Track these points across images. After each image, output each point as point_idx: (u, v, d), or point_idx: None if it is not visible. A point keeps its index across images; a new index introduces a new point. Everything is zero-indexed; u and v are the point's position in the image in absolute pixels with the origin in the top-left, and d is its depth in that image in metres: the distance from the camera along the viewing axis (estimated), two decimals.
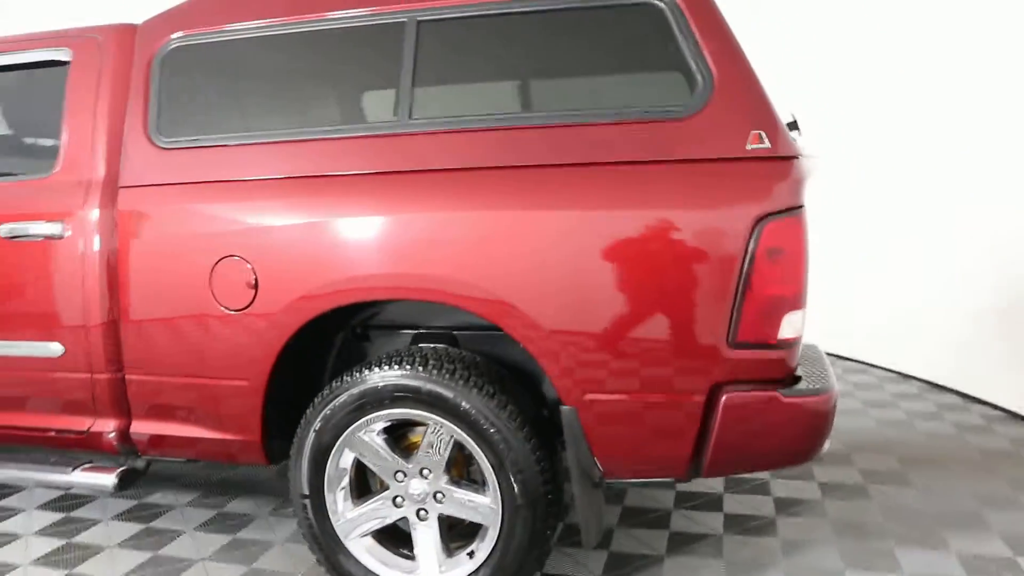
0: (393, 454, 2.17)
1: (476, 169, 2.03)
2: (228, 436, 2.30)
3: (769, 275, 1.86)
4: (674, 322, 1.91)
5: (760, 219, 1.85)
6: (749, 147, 1.89)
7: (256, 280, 2.14)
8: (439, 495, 2.16)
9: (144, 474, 2.48)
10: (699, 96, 1.94)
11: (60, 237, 2.30)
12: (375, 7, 2.17)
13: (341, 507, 2.22)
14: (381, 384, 2.10)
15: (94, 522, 2.83)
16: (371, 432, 2.16)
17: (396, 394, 2.09)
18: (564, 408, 2.01)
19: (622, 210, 1.92)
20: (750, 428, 1.94)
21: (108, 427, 2.38)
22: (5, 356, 2.43)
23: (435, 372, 2.07)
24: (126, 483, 2.37)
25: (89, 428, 2.39)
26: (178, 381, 2.29)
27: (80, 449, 2.46)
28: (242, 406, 2.25)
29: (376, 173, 2.10)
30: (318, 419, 2.16)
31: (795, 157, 1.91)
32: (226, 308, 2.18)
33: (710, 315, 1.89)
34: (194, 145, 2.26)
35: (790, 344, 1.92)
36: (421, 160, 2.07)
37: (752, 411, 1.92)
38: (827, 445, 2.07)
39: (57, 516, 2.89)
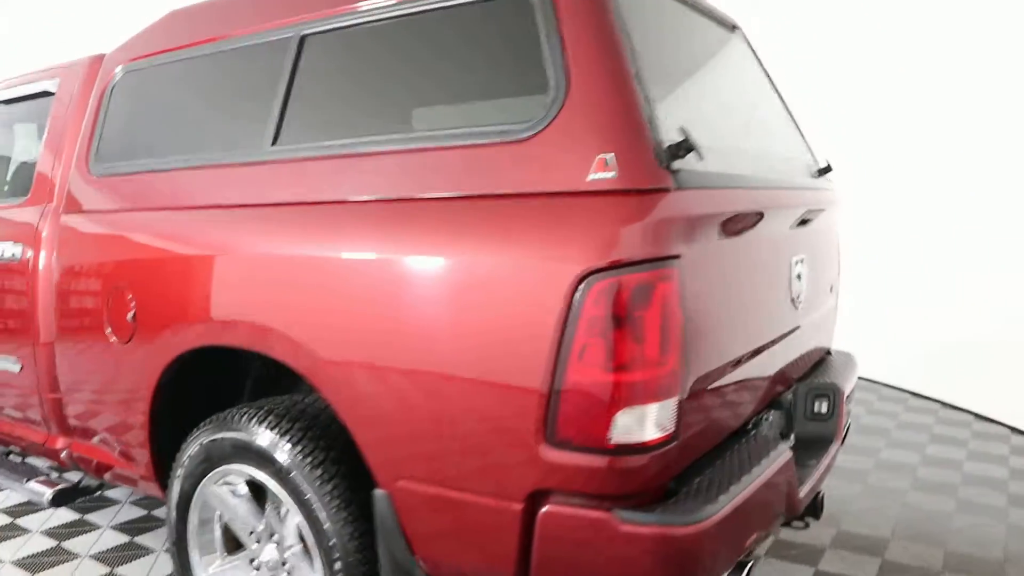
0: (251, 513, 1.96)
1: (300, 204, 1.77)
2: (129, 466, 2.26)
3: (596, 353, 1.36)
4: (483, 404, 1.48)
5: (585, 276, 1.36)
6: (591, 177, 1.40)
7: (135, 313, 2.07)
8: (288, 565, 1.91)
9: (90, 493, 2.53)
10: (546, 112, 1.48)
11: (18, 260, 2.43)
12: (274, 24, 2.00)
13: (198, 564, 2.06)
14: (219, 435, 1.90)
15: (90, 528, 2.98)
16: (227, 485, 1.97)
17: (235, 447, 1.88)
18: (376, 492, 1.66)
19: (428, 257, 1.53)
20: (577, 556, 1.43)
21: (58, 444, 2.47)
22: None
23: (268, 428, 1.82)
24: (60, 500, 2.43)
25: (45, 443, 2.50)
26: (91, 407, 2.30)
27: (49, 460, 2.59)
28: (134, 437, 2.19)
29: (220, 206, 1.93)
30: (180, 465, 2.02)
31: (657, 191, 1.38)
32: (116, 338, 2.13)
33: (523, 400, 1.43)
34: (110, 174, 2.25)
35: (638, 450, 1.39)
36: (253, 194, 1.87)
37: (576, 534, 1.42)
38: None
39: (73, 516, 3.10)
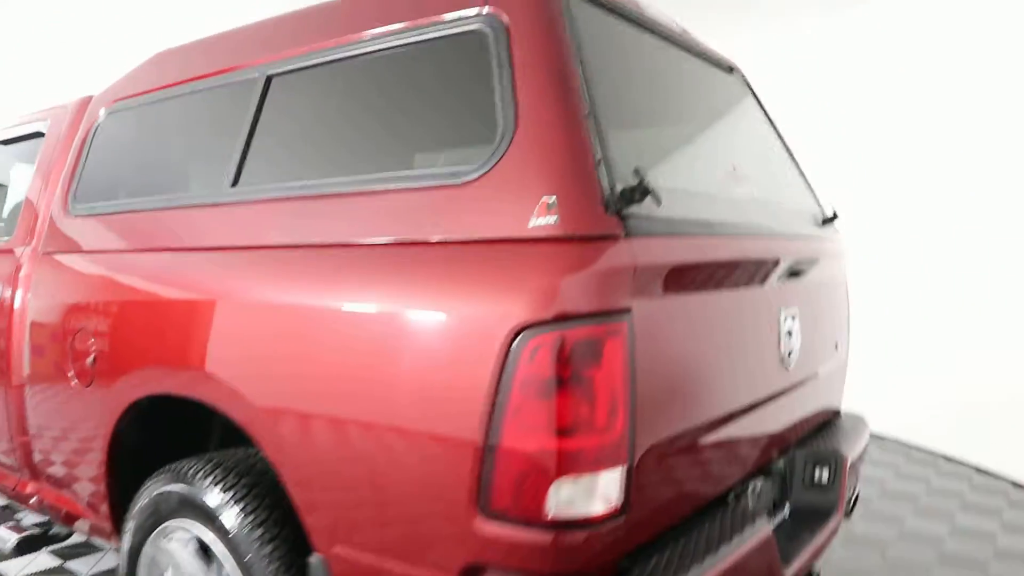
0: (199, 572, 1.85)
1: (242, 248, 1.70)
2: (91, 513, 2.18)
3: (531, 415, 1.23)
4: (417, 467, 1.36)
5: (521, 330, 1.24)
6: (532, 223, 1.30)
7: (95, 357, 2.01)
8: None
9: (59, 540, 2.46)
10: (492, 153, 1.39)
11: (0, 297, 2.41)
12: (244, 64, 1.96)
13: None
14: (168, 488, 1.81)
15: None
16: (175, 541, 1.87)
17: (182, 501, 1.79)
18: (312, 558, 1.54)
19: (362, 304, 1.44)
20: None
21: (28, 490, 2.41)
22: None
23: (214, 484, 1.73)
24: (25, 548, 2.36)
25: (15, 487, 2.44)
26: (56, 454, 2.23)
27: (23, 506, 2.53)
28: (94, 486, 2.11)
29: (170, 249, 1.89)
30: (132, 518, 1.93)
31: (603, 238, 1.27)
32: (77, 382, 2.07)
33: (456, 466, 1.31)
34: (85, 214, 2.22)
35: (581, 525, 1.25)
36: (204, 237, 1.82)
37: None
38: None
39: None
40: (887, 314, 4.93)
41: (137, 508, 1.90)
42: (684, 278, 1.42)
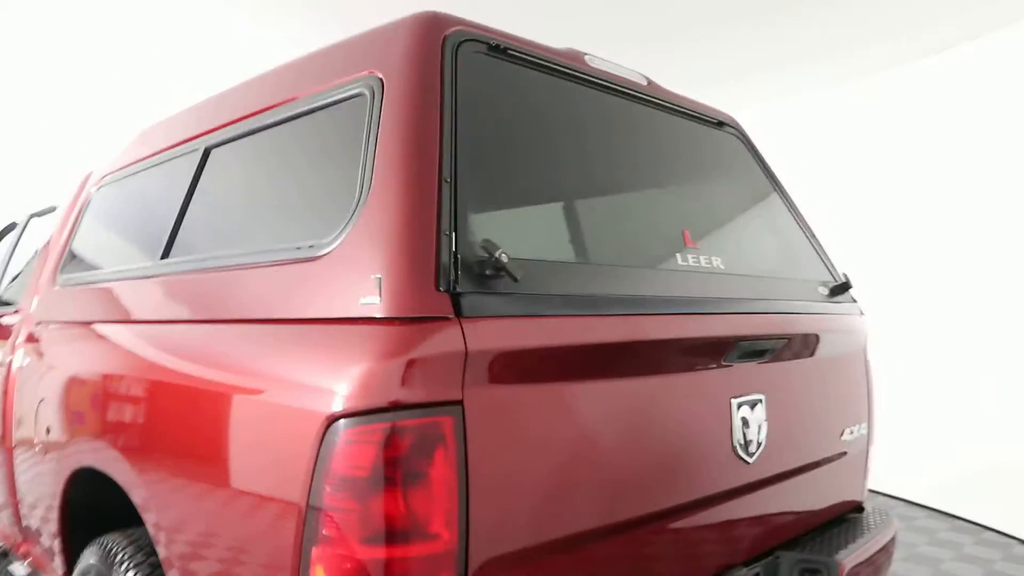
0: None
1: (134, 322, 1.68)
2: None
3: (342, 521, 1.08)
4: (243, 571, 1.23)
5: (333, 421, 1.11)
6: (361, 301, 1.17)
7: (48, 426, 2.03)
8: None
9: None
10: (345, 223, 1.29)
11: (2, 364, 2.51)
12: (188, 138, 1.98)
13: None
14: (90, 562, 1.77)
15: None
16: None
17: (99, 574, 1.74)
18: None
19: (206, 386, 1.35)
20: None
21: (21, 551, 2.46)
22: None
23: (124, 559, 1.66)
24: None
25: (14, 547, 2.50)
26: (33, 518, 2.26)
27: None
28: (55, 552, 2.11)
29: (106, 321, 1.88)
30: None
31: (427, 320, 1.12)
32: (38, 448, 2.10)
33: (279, 564, 1.17)
34: (65, 285, 2.29)
35: None
36: (125, 311, 1.82)
37: None
38: None
39: None
40: (943, 385, 4.47)
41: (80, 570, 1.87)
42: (547, 364, 1.23)
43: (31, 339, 2.35)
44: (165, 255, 1.80)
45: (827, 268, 2.15)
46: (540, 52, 1.62)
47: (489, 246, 1.19)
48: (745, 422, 1.60)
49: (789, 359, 1.78)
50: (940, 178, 4.66)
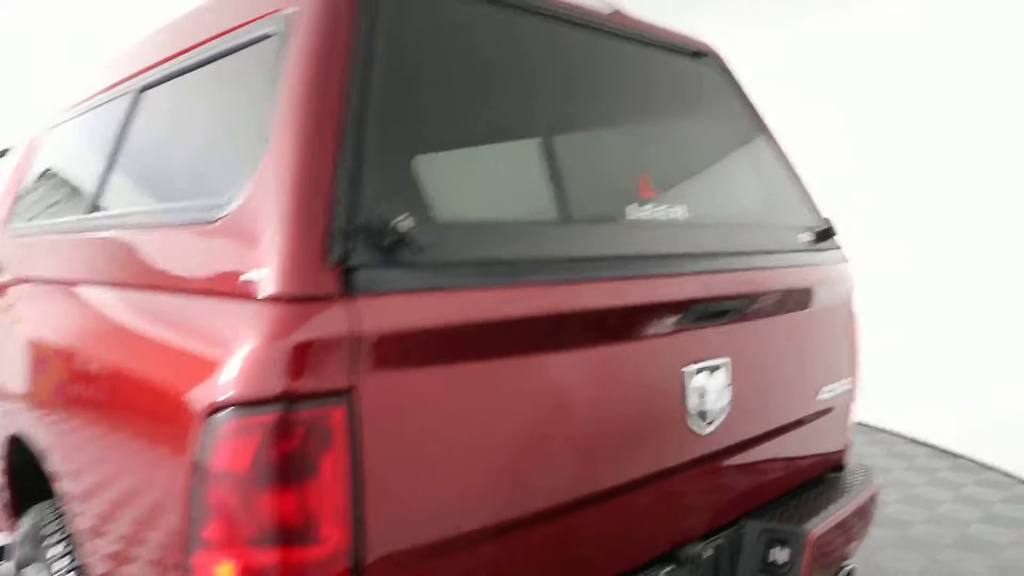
0: None
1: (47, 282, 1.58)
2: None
3: (222, 522, 1.00)
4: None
5: (211, 413, 1.01)
6: (248, 276, 1.06)
7: None
8: None
9: None
10: (242, 184, 1.16)
11: None
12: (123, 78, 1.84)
13: None
14: (27, 527, 1.73)
15: None
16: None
17: (36, 538, 1.70)
18: None
19: (98, 351, 1.26)
20: None
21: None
22: None
23: (55, 529, 1.62)
24: None
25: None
26: None
27: None
28: (5, 511, 2.09)
29: (30, 280, 1.79)
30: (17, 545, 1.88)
31: (311, 299, 1.00)
32: None
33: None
34: (11, 236, 2.19)
35: None
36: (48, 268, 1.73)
37: None
38: None
39: None
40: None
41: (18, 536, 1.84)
42: (458, 343, 1.11)
43: None
44: (92, 209, 1.69)
45: (810, 212, 1.99)
46: None
47: (388, 211, 1.06)
48: (701, 391, 1.49)
49: (760, 317, 1.64)
50: (942, 115, 4.39)
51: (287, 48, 1.21)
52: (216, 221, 1.17)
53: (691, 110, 1.87)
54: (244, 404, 0.98)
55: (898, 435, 4.63)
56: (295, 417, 0.98)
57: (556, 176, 1.42)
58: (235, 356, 1.00)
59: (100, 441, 1.26)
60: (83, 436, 1.32)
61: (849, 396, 2.03)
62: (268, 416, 0.97)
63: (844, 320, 1.98)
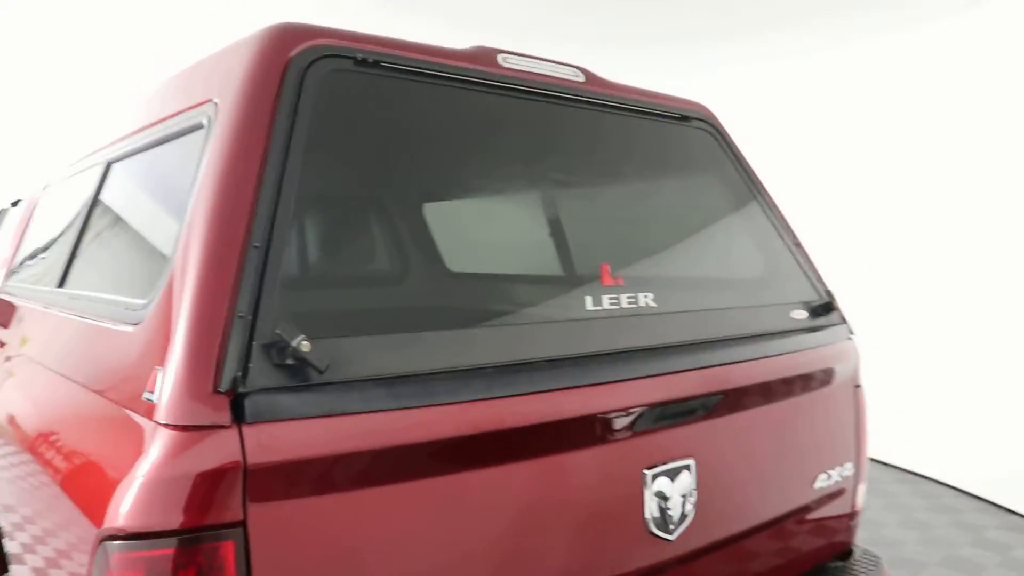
0: None
1: None
2: None
3: None
4: None
5: (103, 540, 0.96)
6: (145, 395, 1.01)
7: None
8: None
9: None
10: (155, 289, 1.12)
11: None
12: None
13: None
14: None
15: None
16: None
17: None
18: None
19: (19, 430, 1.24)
20: None
21: None
22: None
23: None
24: None
25: None
26: None
27: None
28: None
29: None
30: None
31: (202, 428, 0.95)
32: None
33: None
34: (4, 293, 2.22)
35: None
36: None
37: None
38: None
39: None
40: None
41: None
42: (365, 468, 1.04)
43: None
44: (60, 282, 1.69)
45: (811, 284, 1.86)
46: (430, 60, 1.38)
47: (287, 332, 1.00)
48: (662, 495, 1.38)
49: (733, 412, 1.53)
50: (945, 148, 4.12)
51: (207, 140, 1.17)
52: (135, 325, 1.13)
53: (672, 179, 1.77)
54: (132, 536, 0.93)
55: (939, 482, 4.37)
56: (184, 552, 0.93)
57: (497, 268, 1.34)
58: (128, 482, 0.95)
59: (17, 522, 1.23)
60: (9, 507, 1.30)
61: (853, 480, 1.89)
62: (156, 551, 0.92)
63: (844, 401, 1.84)
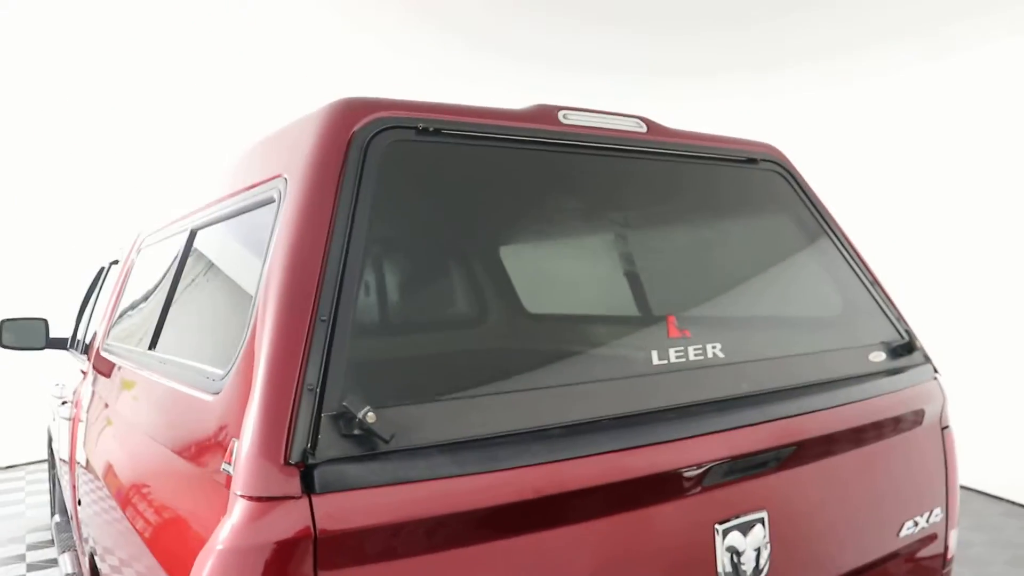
0: None
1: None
2: None
3: None
4: None
5: None
6: (223, 467, 1.07)
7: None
8: None
9: None
10: (232, 359, 1.19)
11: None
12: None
13: None
14: None
15: None
16: None
17: None
18: None
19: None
20: None
21: None
22: None
23: None
24: None
25: None
26: None
27: None
28: None
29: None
30: None
31: (274, 499, 1.00)
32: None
33: None
34: (105, 351, 2.36)
35: None
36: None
37: None
38: None
39: None
40: None
41: None
42: (433, 534, 1.06)
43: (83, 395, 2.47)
44: (151, 345, 1.79)
45: (891, 324, 1.80)
46: (489, 123, 1.42)
47: (354, 403, 1.04)
48: (734, 549, 1.36)
49: (807, 462, 1.49)
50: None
51: (276, 216, 1.23)
52: (215, 395, 1.19)
53: (741, 223, 1.75)
54: None
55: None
56: None
57: (571, 337, 1.35)
58: (208, 550, 1.00)
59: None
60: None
61: (944, 526, 1.80)
62: None
63: (930, 444, 1.76)
